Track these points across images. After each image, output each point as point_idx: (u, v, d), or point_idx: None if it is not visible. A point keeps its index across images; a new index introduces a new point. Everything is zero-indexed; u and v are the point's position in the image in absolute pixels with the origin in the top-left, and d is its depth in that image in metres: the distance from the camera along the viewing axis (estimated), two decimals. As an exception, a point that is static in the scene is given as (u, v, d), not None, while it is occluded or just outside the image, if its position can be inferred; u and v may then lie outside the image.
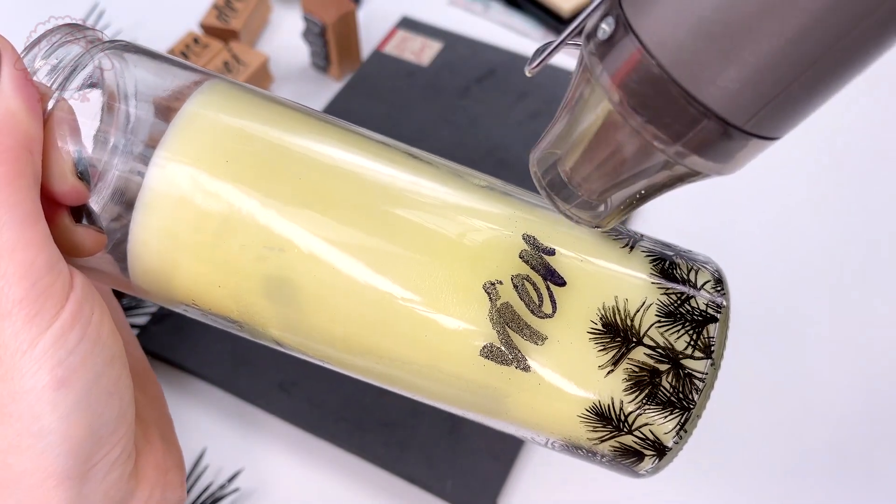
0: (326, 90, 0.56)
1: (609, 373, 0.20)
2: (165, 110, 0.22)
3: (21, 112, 0.19)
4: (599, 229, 0.22)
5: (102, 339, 0.20)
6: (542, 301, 0.20)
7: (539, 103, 0.52)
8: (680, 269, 0.22)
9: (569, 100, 0.19)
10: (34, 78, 0.20)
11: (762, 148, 0.18)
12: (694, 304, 0.21)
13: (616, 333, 0.20)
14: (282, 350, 0.23)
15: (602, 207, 0.20)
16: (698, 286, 0.21)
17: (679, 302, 0.21)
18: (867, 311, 0.44)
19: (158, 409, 0.25)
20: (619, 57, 0.17)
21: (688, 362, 0.20)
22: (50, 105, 0.20)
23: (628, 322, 0.20)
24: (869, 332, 0.43)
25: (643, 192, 0.20)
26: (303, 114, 0.23)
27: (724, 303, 0.21)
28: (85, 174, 0.21)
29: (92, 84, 0.21)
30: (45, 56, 0.21)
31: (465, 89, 0.53)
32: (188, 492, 0.37)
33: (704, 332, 0.21)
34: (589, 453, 0.22)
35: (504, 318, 0.20)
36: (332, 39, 0.53)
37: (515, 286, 0.21)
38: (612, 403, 0.20)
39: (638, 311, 0.21)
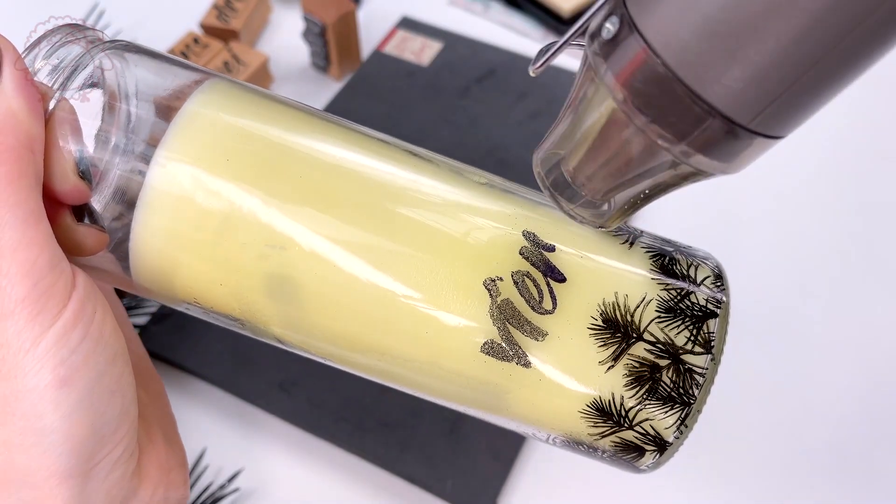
0: (326, 90, 0.56)
1: (609, 368, 0.20)
2: (166, 109, 0.22)
3: (22, 112, 0.19)
4: (603, 229, 0.22)
5: (105, 338, 0.20)
6: (542, 297, 0.21)
7: (539, 103, 0.52)
8: (680, 264, 0.22)
9: (572, 99, 0.19)
10: (35, 78, 0.20)
11: (767, 147, 0.18)
12: (694, 300, 0.21)
13: (616, 329, 0.20)
14: (283, 348, 0.23)
15: (606, 207, 0.20)
16: (698, 282, 0.21)
17: (679, 297, 0.21)
18: (868, 310, 0.44)
19: (161, 408, 0.26)
20: (624, 56, 0.17)
21: (688, 357, 0.20)
22: (51, 105, 0.20)
23: (628, 318, 0.20)
24: (869, 331, 0.43)
25: (647, 191, 0.20)
26: (303, 112, 0.23)
27: (724, 298, 0.21)
28: (86, 173, 0.21)
29: (93, 84, 0.21)
30: (46, 56, 0.21)
31: (465, 89, 0.53)
32: (189, 491, 0.37)
33: (704, 327, 0.21)
34: (590, 449, 0.22)
35: (504, 315, 0.20)
36: (332, 39, 0.53)
37: (516, 283, 0.21)
38: (613, 399, 0.20)
39: (638, 306, 0.21)
